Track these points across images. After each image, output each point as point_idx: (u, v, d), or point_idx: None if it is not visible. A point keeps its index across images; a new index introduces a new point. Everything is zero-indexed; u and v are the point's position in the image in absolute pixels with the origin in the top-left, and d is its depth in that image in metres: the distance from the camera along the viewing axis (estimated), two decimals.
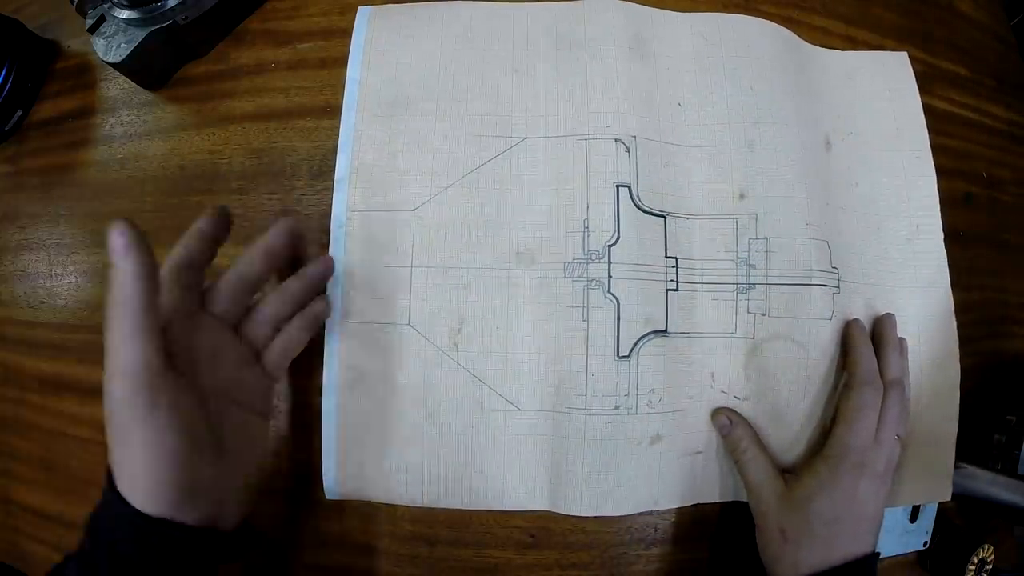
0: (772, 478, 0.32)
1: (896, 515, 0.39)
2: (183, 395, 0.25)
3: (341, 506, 0.35)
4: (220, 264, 0.30)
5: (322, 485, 0.34)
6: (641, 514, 0.36)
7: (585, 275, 0.34)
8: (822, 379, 0.35)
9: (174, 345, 0.26)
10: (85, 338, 0.39)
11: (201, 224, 0.28)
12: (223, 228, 0.29)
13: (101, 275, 0.40)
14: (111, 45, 0.38)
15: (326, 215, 0.36)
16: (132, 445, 0.24)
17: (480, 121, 0.36)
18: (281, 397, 0.36)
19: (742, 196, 0.36)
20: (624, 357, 0.34)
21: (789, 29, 0.41)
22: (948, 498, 0.37)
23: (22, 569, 0.41)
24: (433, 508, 0.34)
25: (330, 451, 0.34)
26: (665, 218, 0.35)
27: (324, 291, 0.34)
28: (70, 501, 0.39)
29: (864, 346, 0.34)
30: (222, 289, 0.30)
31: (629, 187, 0.35)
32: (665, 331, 0.34)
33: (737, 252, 0.36)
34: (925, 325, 0.38)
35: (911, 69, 0.43)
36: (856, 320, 0.36)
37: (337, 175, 0.35)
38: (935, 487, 0.38)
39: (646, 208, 0.35)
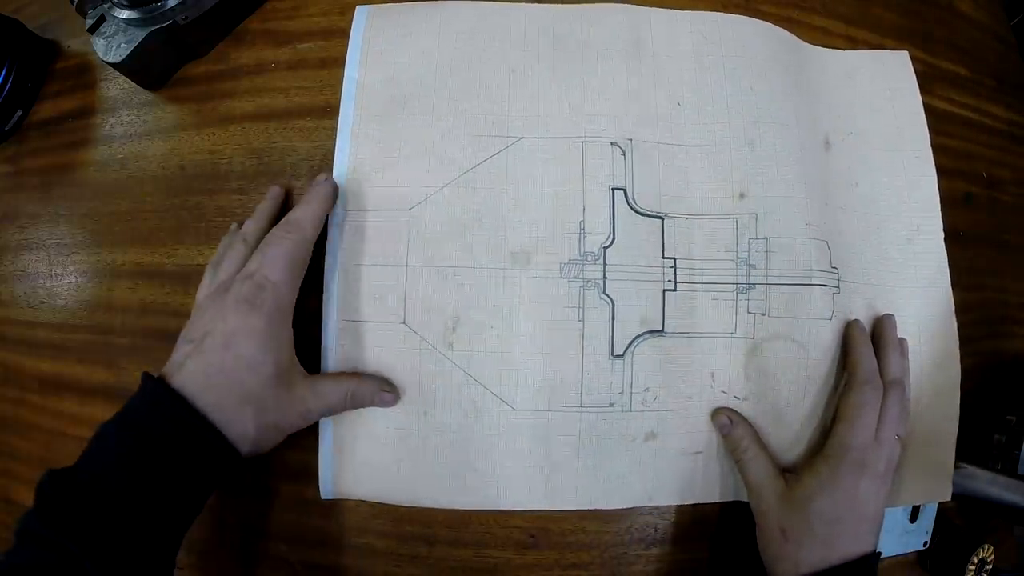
0: (773, 478, 0.32)
1: (896, 515, 0.39)
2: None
3: (339, 506, 0.35)
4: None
5: (318, 485, 0.34)
6: (641, 514, 0.36)
7: (581, 276, 0.34)
8: (822, 379, 0.35)
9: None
10: (85, 338, 0.39)
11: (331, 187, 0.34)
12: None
13: (102, 275, 0.40)
14: (111, 45, 0.38)
15: None
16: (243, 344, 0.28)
17: (477, 121, 0.36)
18: None
19: (742, 196, 0.36)
20: (619, 356, 0.34)
21: (789, 29, 0.41)
22: (948, 498, 0.37)
23: None
24: (431, 508, 0.34)
25: (326, 450, 0.34)
26: (663, 219, 0.36)
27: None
28: None
29: (864, 346, 0.34)
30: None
31: (624, 190, 0.35)
32: (662, 331, 0.34)
33: (737, 252, 0.36)
34: (925, 325, 0.38)
35: (912, 68, 0.43)
36: (856, 320, 0.36)
37: (334, 173, 0.35)
38: (935, 487, 0.38)
39: (642, 210, 0.35)
